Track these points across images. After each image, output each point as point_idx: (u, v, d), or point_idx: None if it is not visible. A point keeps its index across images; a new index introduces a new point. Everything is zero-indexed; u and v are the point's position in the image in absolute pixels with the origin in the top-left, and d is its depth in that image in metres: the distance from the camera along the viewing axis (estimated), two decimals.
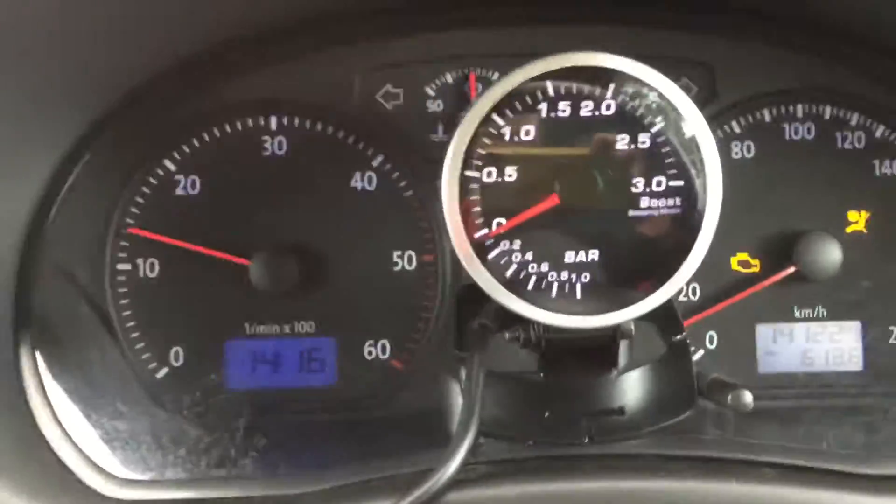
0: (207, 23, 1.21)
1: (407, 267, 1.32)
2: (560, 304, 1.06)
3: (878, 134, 1.34)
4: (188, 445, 1.16)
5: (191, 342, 1.31)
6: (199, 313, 1.31)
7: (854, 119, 1.34)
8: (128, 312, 1.30)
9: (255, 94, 1.32)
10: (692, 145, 1.06)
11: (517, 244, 1.06)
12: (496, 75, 1.31)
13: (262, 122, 1.32)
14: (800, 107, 1.34)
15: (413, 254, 1.32)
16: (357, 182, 1.33)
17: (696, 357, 1.32)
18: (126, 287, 1.30)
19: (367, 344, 1.32)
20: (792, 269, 1.30)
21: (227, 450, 1.15)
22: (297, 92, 1.32)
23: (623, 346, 1.13)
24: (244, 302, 1.30)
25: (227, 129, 1.32)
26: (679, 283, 1.08)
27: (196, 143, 1.32)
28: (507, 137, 1.06)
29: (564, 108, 1.06)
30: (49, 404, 1.16)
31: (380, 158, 1.33)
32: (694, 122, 1.06)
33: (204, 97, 1.31)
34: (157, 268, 1.31)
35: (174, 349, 1.31)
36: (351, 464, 1.10)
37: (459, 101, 1.32)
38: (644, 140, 1.06)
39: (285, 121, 1.33)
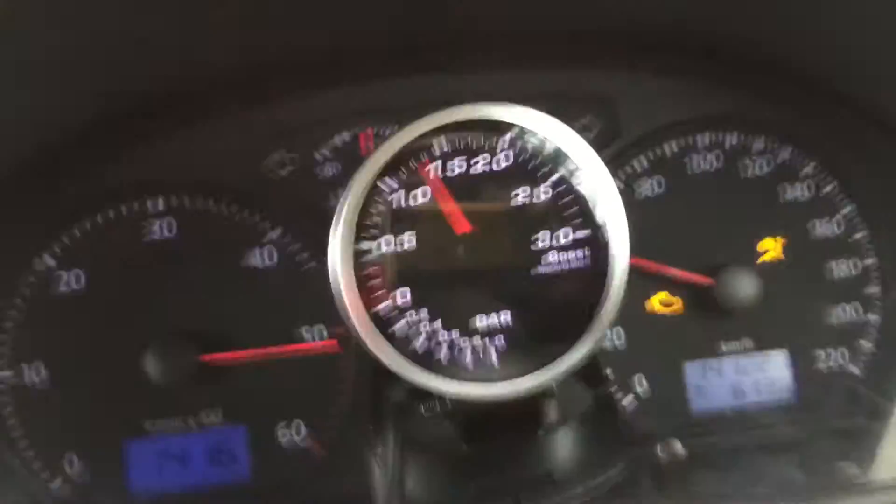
0: (74, 103, 1.13)
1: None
2: (476, 372, 1.01)
3: (780, 159, 1.32)
4: None
5: (86, 446, 1.20)
6: (94, 414, 1.21)
7: (759, 144, 1.32)
8: (12, 421, 1.19)
9: (134, 176, 1.24)
10: (594, 192, 1.02)
11: (423, 313, 1.00)
12: (394, 129, 1.25)
13: (147, 205, 1.24)
14: (705, 136, 1.32)
15: (323, 328, 1.24)
16: (254, 259, 1.25)
17: (625, 402, 1.27)
18: (8, 395, 1.19)
19: (279, 427, 1.23)
20: (710, 282, 1.26)
21: None
22: (180, 169, 1.24)
23: (547, 405, 1.08)
24: (142, 397, 1.20)
25: (110, 214, 1.24)
26: (597, 336, 1.03)
27: (77, 233, 1.23)
28: (401, 201, 1.00)
29: (459, 163, 1.02)
30: None
31: (277, 231, 1.26)
32: (593, 168, 1.02)
33: (79, 184, 1.22)
34: (42, 371, 1.20)
35: (68, 456, 1.20)
36: None
37: (356, 162, 1.26)
38: (545, 191, 1.02)
39: (172, 200, 1.24)
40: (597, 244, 1.01)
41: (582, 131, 1.04)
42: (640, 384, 1.29)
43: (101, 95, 1.14)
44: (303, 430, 1.23)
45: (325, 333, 1.24)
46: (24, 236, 1.21)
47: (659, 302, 1.29)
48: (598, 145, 1.06)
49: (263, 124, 1.26)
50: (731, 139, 1.32)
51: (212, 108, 1.24)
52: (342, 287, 0.97)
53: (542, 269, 1.01)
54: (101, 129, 1.19)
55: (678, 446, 1.03)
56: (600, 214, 1.01)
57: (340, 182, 1.25)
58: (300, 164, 1.26)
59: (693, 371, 1.30)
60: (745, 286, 1.26)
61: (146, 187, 1.23)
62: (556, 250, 1.01)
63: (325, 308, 1.21)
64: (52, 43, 0.94)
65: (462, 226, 1.00)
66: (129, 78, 1.13)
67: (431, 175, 1.00)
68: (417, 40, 1.27)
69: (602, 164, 1.02)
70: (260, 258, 1.24)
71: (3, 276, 1.19)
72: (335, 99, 1.28)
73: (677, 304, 1.29)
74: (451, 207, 1.00)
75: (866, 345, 1.31)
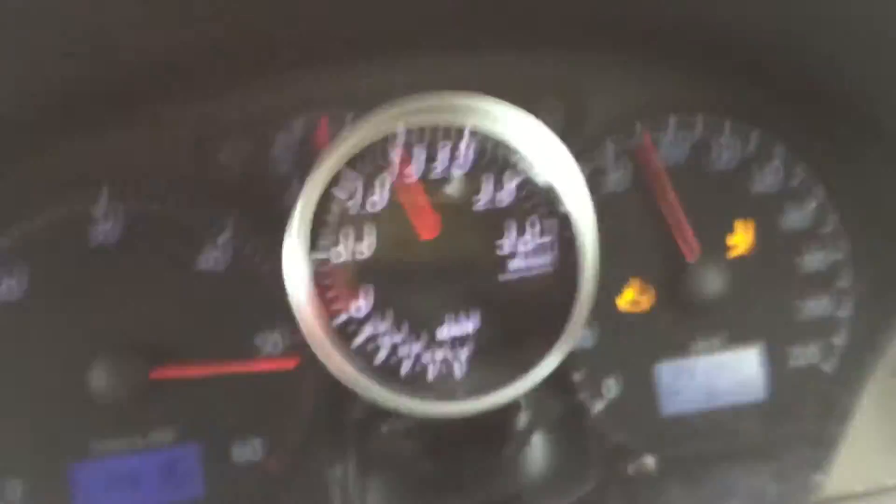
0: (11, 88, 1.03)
1: (273, 353, 1.18)
2: (440, 387, 0.96)
3: (751, 147, 1.28)
4: None
5: (29, 470, 1.12)
6: (36, 435, 1.13)
7: (726, 130, 1.27)
8: None
9: (75, 172, 1.15)
10: (559, 184, 0.97)
11: (385, 325, 0.95)
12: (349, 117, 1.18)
13: (89, 206, 1.15)
14: (671, 127, 1.27)
15: (279, 338, 1.18)
16: (206, 262, 1.17)
17: (596, 409, 1.23)
18: None
19: (236, 446, 1.16)
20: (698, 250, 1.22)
21: None
22: (125, 166, 1.16)
23: (514, 419, 1.03)
24: (88, 416, 1.12)
25: (50, 216, 1.15)
26: (568, 344, 0.99)
27: (16, 233, 1.13)
28: (359, 207, 0.94)
29: (418, 169, 0.96)
30: None
31: (229, 231, 1.18)
32: (558, 156, 0.97)
33: (13, 180, 1.13)
34: None
35: (9, 482, 1.12)
36: None
37: (311, 158, 1.18)
38: (509, 193, 0.97)
39: (116, 202, 1.16)
40: (564, 243, 0.96)
41: (544, 113, 1.01)
42: (610, 389, 1.25)
43: (40, 82, 1.05)
44: (259, 448, 1.17)
45: (280, 344, 1.18)
46: None
47: (632, 295, 1.24)
48: (562, 130, 1.01)
49: (213, 115, 1.18)
50: (699, 125, 1.26)
51: (156, 99, 1.16)
52: (298, 300, 0.91)
53: (507, 276, 0.96)
54: (39, 119, 1.10)
55: (650, 462, 1.00)
56: (566, 208, 0.96)
57: (295, 177, 1.18)
58: (252, 159, 1.18)
59: (664, 374, 1.26)
60: (713, 282, 1.22)
61: (89, 185, 1.15)
62: (521, 255, 0.96)
63: (282, 316, 1.17)
64: None
65: (426, 232, 0.95)
66: (72, 65, 1.05)
67: (391, 180, 0.95)
68: (369, 26, 1.20)
69: (566, 150, 0.97)
70: (213, 261, 1.17)
71: None
72: (286, 87, 1.20)
73: (650, 295, 1.25)
74: (413, 214, 0.95)
75: (837, 341, 1.29)
